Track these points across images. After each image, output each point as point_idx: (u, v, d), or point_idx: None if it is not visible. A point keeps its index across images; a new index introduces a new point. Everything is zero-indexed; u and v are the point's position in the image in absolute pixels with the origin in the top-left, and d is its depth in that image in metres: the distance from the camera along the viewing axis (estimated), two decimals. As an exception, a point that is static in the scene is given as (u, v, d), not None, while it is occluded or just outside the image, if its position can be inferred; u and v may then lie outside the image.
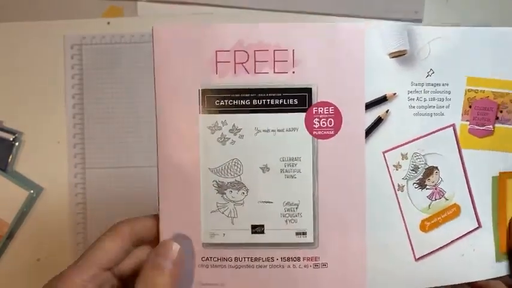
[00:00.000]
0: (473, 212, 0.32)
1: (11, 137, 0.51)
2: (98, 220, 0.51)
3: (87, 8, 0.52)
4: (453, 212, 0.32)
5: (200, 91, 0.30)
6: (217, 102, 0.30)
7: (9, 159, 0.51)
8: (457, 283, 0.33)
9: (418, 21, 0.50)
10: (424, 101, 0.31)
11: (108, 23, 0.51)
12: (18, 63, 0.51)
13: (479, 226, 0.33)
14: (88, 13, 0.52)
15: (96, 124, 0.51)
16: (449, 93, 0.31)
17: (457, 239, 0.32)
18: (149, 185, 0.49)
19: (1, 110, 0.51)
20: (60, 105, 0.51)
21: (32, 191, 0.50)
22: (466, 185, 0.32)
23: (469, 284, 0.34)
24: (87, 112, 0.51)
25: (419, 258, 0.32)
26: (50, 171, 0.51)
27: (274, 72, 0.30)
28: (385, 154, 0.31)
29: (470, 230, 0.33)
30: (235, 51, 0.30)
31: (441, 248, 0.32)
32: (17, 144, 0.51)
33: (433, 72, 0.31)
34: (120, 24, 0.51)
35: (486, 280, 0.33)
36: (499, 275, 0.33)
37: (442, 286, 0.32)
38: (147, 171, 0.50)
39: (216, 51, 0.30)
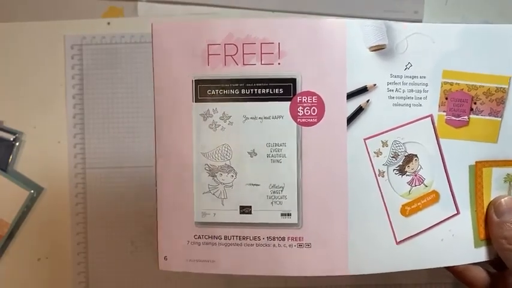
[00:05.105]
0: (452, 199, 0.34)
1: (11, 137, 0.50)
2: (98, 220, 0.50)
3: (87, 8, 0.51)
4: (432, 198, 0.34)
5: (194, 81, 0.32)
6: (209, 92, 0.32)
7: (10, 159, 0.50)
8: (437, 267, 0.33)
9: (418, 21, 0.50)
10: (403, 92, 0.33)
11: (108, 23, 0.51)
12: (18, 63, 0.51)
13: (458, 212, 0.34)
14: (88, 13, 0.52)
15: (96, 124, 0.51)
16: (427, 85, 0.33)
17: (437, 224, 0.33)
18: (149, 185, 0.48)
19: (1, 110, 0.51)
20: (61, 105, 0.51)
21: (32, 191, 0.50)
22: (444, 173, 0.33)
23: (448, 268, 0.35)
24: (88, 112, 0.51)
25: (400, 242, 0.33)
26: (50, 171, 0.51)
27: (261, 63, 0.32)
28: (366, 141, 0.32)
29: (449, 216, 0.34)
30: (225, 44, 0.32)
31: (421, 232, 0.33)
32: (17, 144, 0.50)
33: (411, 65, 0.32)
34: (120, 25, 0.51)
35: (465, 265, 0.34)
36: (477, 261, 0.34)
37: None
38: (147, 171, 0.50)
39: (208, 45, 0.32)
